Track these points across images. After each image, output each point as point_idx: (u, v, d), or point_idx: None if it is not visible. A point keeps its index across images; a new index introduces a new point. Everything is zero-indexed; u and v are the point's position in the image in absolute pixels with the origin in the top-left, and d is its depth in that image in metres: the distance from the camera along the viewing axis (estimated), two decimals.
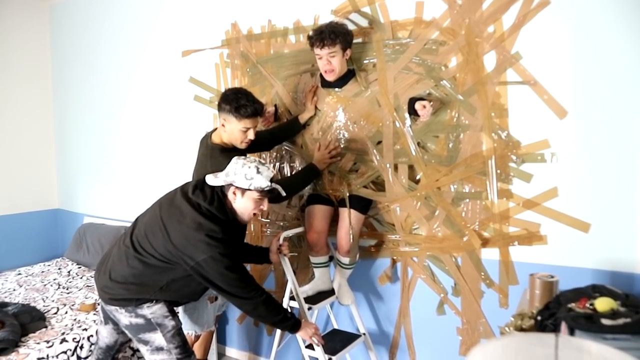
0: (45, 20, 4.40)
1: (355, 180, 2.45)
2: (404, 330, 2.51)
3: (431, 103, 2.14)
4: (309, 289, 2.46)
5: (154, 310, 2.03)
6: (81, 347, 2.55)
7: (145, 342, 2.06)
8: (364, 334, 2.52)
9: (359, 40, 2.46)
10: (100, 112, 4.01)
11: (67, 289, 3.34)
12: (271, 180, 1.93)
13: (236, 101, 2.13)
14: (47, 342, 2.48)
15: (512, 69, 2.10)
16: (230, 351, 3.26)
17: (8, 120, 4.17)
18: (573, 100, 1.98)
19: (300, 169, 2.66)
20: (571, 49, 1.97)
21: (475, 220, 2.24)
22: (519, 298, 2.03)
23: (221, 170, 2.08)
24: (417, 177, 2.36)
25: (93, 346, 2.31)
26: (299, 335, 2.16)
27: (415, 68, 2.31)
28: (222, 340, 3.29)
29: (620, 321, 1.21)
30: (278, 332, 2.56)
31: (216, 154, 2.18)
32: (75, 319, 2.79)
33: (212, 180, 1.95)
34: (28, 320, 2.64)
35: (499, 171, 2.16)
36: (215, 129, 2.29)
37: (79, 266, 3.81)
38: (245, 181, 1.88)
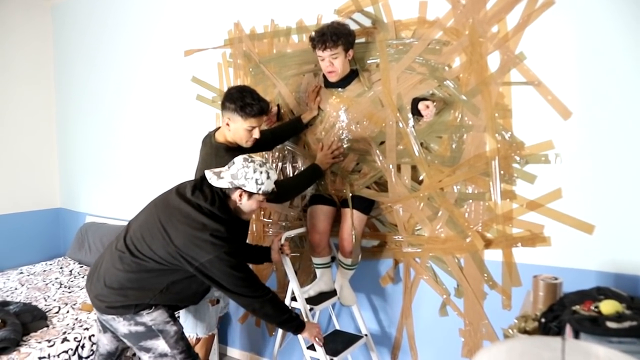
0: (48, 19, 4.40)
1: (357, 181, 2.44)
2: (406, 331, 2.50)
3: (434, 103, 2.13)
4: (310, 290, 2.45)
5: (154, 317, 1.98)
6: (82, 347, 2.55)
7: (147, 350, 2.01)
8: (366, 335, 2.51)
9: (362, 40, 2.45)
10: (102, 111, 4.01)
11: (68, 288, 3.34)
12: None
13: (241, 100, 2.09)
14: (49, 341, 2.47)
15: (516, 70, 2.08)
16: (232, 351, 3.25)
17: (11, 120, 4.17)
18: (577, 101, 1.97)
19: (302, 169, 2.65)
20: (575, 49, 1.96)
21: (478, 221, 2.23)
22: (522, 300, 2.02)
23: None
24: (420, 178, 2.35)
25: (94, 353, 2.27)
26: (303, 336, 2.15)
27: (418, 68, 2.30)
28: (223, 341, 3.28)
29: (626, 324, 1.20)
30: (280, 332, 2.56)
31: (222, 153, 2.14)
32: (76, 319, 2.79)
33: (215, 181, 1.89)
34: (29, 320, 2.64)
35: (502, 172, 2.14)
36: (218, 128, 2.27)
37: (81, 265, 3.81)
38: (256, 186, 1.86)
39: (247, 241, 2.34)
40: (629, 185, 1.89)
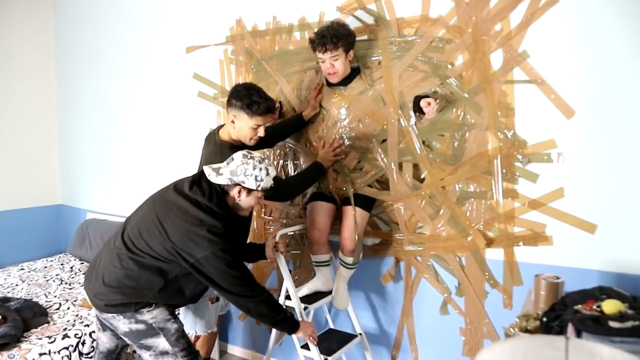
0: (49, 15, 4.40)
1: (359, 179, 2.44)
2: (406, 329, 2.50)
3: (437, 101, 2.13)
4: (304, 288, 2.43)
5: (154, 315, 1.96)
6: (83, 343, 2.55)
7: (148, 348, 2.00)
8: (360, 334, 2.49)
9: (364, 37, 2.44)
10: (103, 107, 4.00)
11: (69, 285, 3.34)
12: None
13: (248, 97, 2.07)
14: (49, 337, 2.47)
15: (519, 68, 2.07)
16: (233, 349, 3.25)
17: (11, 116, 4.17)
18: (580, 100, 1.96)
19: (304, 167, 2.65)
20: (579, 47, 1.95)
21: (480, 220, 2.22)
22: (524, 299, 2.02)
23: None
24: (422, 176, 2.35)
25: (94, 351, 2.27)
26: (297, 335, 2.13)
27: (420, 66, 2.30)
28: (224, 338, 3.28)
29: (629, 324, 1.19)
30: (274, 330, 2.54)
31: (226, 152, 2.11)
32: (77, 315, 2.79)
33: (214, 178, 1.88)
34: (30, 316, 2.64)
35: (504, 171, 2.14)
36: (222, 125, 2.26)
37: (82, 262, 3.81)
38: (255, 183, 1.86)
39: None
40: (631, 184, 1.88)
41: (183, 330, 2.06)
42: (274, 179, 1.94)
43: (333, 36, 2.22)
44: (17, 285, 3.33)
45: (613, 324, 1.21)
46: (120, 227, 2.02)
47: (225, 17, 3.05)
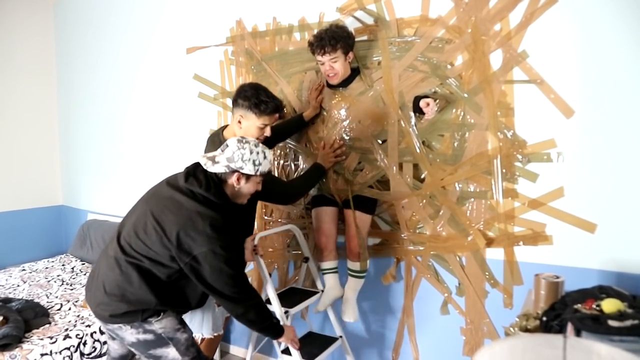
0: (50, 15, 4.41)
1: (360, 180, 2.44)
2: (407, 329, 2.50)
3: (436, 101, 2.13)
4: (326, 302, 2.45)
5: (164, 325, 1.88)
6: (84, 344, 2.56)
7: (157, 358, 1.92)
8: (341, 336, 2.46)
9: (364, 37, 2.45)
10: (104, 108, 4.01)
11: (70, 285, 3.35)
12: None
13: (256, 97, 2.05)
14: (51, 338, 2.48)
15: (519, 68, 2.08)
16: (234, 349, 3.26)
17: (12, 117, 4.18)
18: (580, 100, 1.97)
19: (305, 168, 2.65)
20: (578, 47, 1.96)
21: (480, 220, 2.22)
22: (524, 298, 2.02)
23: None
24: (422, 176, 2.35)
25: (106, 356, 2.24)
26: (280, 340, 2.08)
27: (420, 66, 2.30)
28: (226, 339, 3.28)
29: (628, 323, 1.20)
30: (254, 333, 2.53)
31: None
32: (78, 315, 2.79)
33: (211, 166, 1.80)
34: (32, 316, 2.65)
35: (504, 170, 2.14)
36: (226, 126, 2.25)
37: (83, 262, 3.82)
38: (253, 167, 1.79)
39: None
40: (631, 183, 1.88)
41: (193, 339, 2.00)
42: (275, 180, 1.94)
43: (331, 38, 2.22)
44: (18, 285, 3.34)
45: (612, 322, 1.21)
46: (115, 232, 1.94)
47: (225, 18, 3.05)
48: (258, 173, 1.82)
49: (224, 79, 3.11)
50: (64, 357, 2.45)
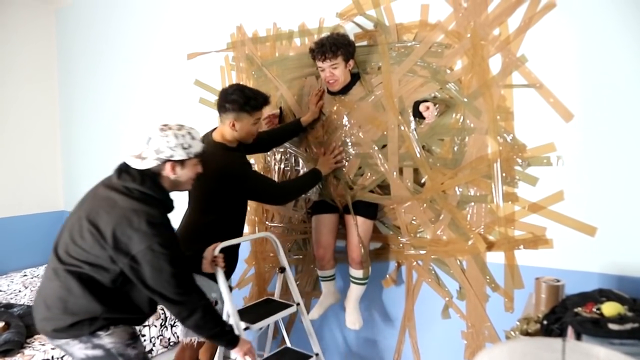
0: (52, 22, 4.43)
1: (360, 185, 2.45)
2: (408, 333, 2.50)
3: (436, 106, 2.14)
4: (320, 309, 2.49)
5: (113, 340, 1.73)
6: None
7: None
8: (317, 354, 2.32)
9: (364, 43, 2.46)
10: (105, 114, 4.02)
11: None
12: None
13: (243, 97, 2.11)
14: None
15: (518, 72, 2.09)
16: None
17: (14, 122, 4.19)
18: (579, 103, 1.98)
19: (303, 172, 2.66)
20: (577, 51, 1.97)
21: (480, 224, 2.23)
22: (525, 302, 2.02)
23: (224, 168, 2.09)
24: (422, 181, 2.36)
25: None
26: (234, 352, 1.91)
27: (420, 71, 2.31)
28: None
29: (628, 326, 1.20)
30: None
31: (219, 152, 2.16)
32: None
33: (140, 164, 1.70)
34: (33, 322, 2.65)
35: (504, 174, 2.15)
36: (214, 128, 2.28)
37: None
38: (184, 151, 1.71)
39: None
40: (631, 187, 1.89)
41: (145, 354, 1.86)
42: (261, 179, 1.89)
43: (332, 45, 2.25)
44: (20, 291, 3.34)
45: (612, 326, 1.22)
46: (53, 244, 1.81)
47: (226, 23, 3.07)
48: (192, 155, 1.74)
49: (224, 84, 3.12)
50: None
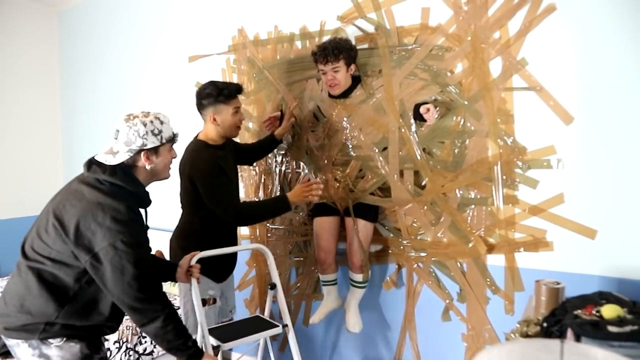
0: (54, 26, 4.45)
1: (361, 187, 2.45)
2: (408, 336, 2.51)
3: (437, 108, 2.15)
4: (321, 314, 2.50)
5: (62, 353, 1.58)
6: None
7: None
8: None
9: (365, 46, 2.47)
10: (107, 117, 4.04)
11: None
12: None
13: (215, 89, 2.18)
14: None
15: (518, 75, 2.10)
16: (236, 356, 3.25)
17: (16, 125, 4.21)
18: (579, 106, 1.98)
19: (306, 175, 2.68)
20: (577, 55, 1.97)
21: (480, 226, 2.23)
22: (525, 305, 2.03)
23: (192, 165, 2.13)
24: (423, 183, 2.36)
25: None
26: None
27: (420, 74, 2.32)
28: None
29: (627, 328, 1.20)
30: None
31: (202, 149, 2.23)
32: None
33: (113, 159, 1.62)
34: None
35: (504, 177, 2.15)
36: (197, 135, 2.33)
37: None
38: (156, 138, 1.64)
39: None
40: (631, 189, 1.89)
41: None
42: (216, 186, 1.87)
43: (335, 48, 2.28)
44: None
45: (612, 328, 1.22)
46: (23, 239, 1.71)
47: (227, 26, 3.08)
48: (164, 141, 1.67)
49: None
50: None
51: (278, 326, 2.17)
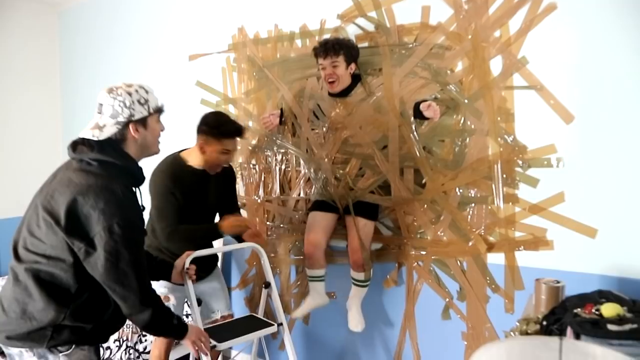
0: (55, 25, 4.45)
1: (361, 186, 2.45)
2: (408, 334, 2.51)
3: (437, 106, 2.15)
4: (304, 309, 2.46)
5: None
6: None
7: None
8: None
9: (365, 44, 2.47)
10: None
11: None
12: None
13: (216, 122, 2.17)
14: None
15: (519, 74, 2.09)
16: (234, 353, 3.25)
17: (17, 125, 4.21)
18: (580, 105, 1.98)
19: (307, 174, 2.67)
20: (578, 53, 1.97)
21: (481, 225, 2.23)
22: (525, 303, 2.02)
23: (159, 180, 2.11)
24: (423, 182, 2.36)
25: None
26: (184, 343, 1.75)
27: (421, 72, 2.32)
28: None
29: (627, 327, 1.20)
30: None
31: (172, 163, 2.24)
32: None
33: (100, 134, 1.51)
34: None
35: (505, 176, 2.15)
36: (183, 150, 2.31)
37: None
38: (143, 107, 1.55)
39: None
40: (631, 188, 1.89)
41: None
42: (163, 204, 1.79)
43: (335, 44, 2.30)
44: None
45: (611, 327, 1.22)
46: (13, 241, 1.60)
47: (227, 25, 3.08)
48: (152, 111, 1.59)
49: (226, 85, 3.13)
50: None
51: (273, 325, 2.16)
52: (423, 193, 2.35)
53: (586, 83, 1.96)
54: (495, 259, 2.21)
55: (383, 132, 2.41)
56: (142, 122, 1.57)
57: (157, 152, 1.68)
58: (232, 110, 3.08)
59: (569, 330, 1.27)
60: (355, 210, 2.40)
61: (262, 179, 2.95)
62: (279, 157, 2.84)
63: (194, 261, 2.02)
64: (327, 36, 2.55)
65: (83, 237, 1.43)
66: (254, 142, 2.97)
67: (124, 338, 2.72)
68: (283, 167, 2.84)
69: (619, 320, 1.26)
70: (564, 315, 1.38)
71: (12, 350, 1.53)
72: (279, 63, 2.83)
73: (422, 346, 2.48)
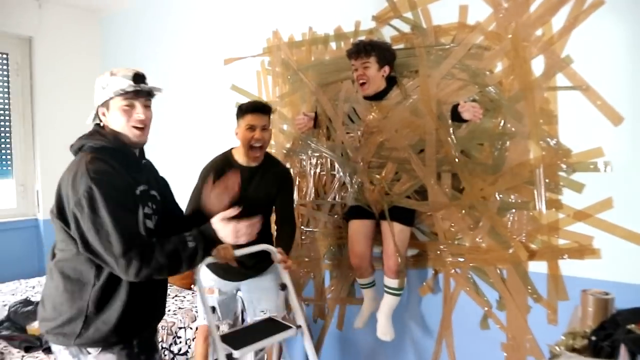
0: (96, 30, 4.58)
1: (397, 190, 2.40)
2: (445, 343, 2.44)
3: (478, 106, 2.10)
4: (364, 317, 2.49)
5: None
6: None
7: None
8: None
9: (401, 46, 2.42)
10: None
11: None
12: (138, 79, 1.61)
13: (241, 105, 2.33)
14: None
15: (562, 74, 2.00)
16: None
17: (60, 130, 4.33)
18: (629, 106, 1.87)
19: (342, 178, 2.65)
20: (627, 51, 1.87)
21: (522, 232, 2.15)
22: (569, 315, 1.93)
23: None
24: (461, 186, 2.29)
25: None
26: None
27: (458, 74, 2.25)
28: None
29: None
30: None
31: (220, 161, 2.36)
32: None
33: (90, 120, 1.68)
34: None
35: (547, 180, 2.06)
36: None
37: None
38: (103, 92, 1.58)
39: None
40: None
41: None
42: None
43: (367, 44, 2.28)
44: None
45: None
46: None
47: (262, 28, 3.09)
48: (112, 95, 1.56)
49: (260, 89, 3.14)
50: None
51: (292, 327, 2.09)
52: (461, 198, 2.28)
53: (636, 82, 1.85)
54: (537, 268, 2.13)
55: (419, 135, 2.35)
56: (106, 106, 1.61)
57: (135, 141, 1.65)
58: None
59: (622, 349, 1.19)
60: (391, 216, 2.36)
61: (297, 183, 2.93)
62: (313, 161, 2.82)
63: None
64: (360, 38, 2.51)
65: (70, 220, 1.47)
66: (288, 145, 2.96)
67: (159, 339, 2.76)
68: (317, 170, 2.81)
69: None
70: (615, 331, 1.30)
71: (54, 347, 1.60)
72: (314, 66, 2.82)
73: (459, 356, 2.40)
